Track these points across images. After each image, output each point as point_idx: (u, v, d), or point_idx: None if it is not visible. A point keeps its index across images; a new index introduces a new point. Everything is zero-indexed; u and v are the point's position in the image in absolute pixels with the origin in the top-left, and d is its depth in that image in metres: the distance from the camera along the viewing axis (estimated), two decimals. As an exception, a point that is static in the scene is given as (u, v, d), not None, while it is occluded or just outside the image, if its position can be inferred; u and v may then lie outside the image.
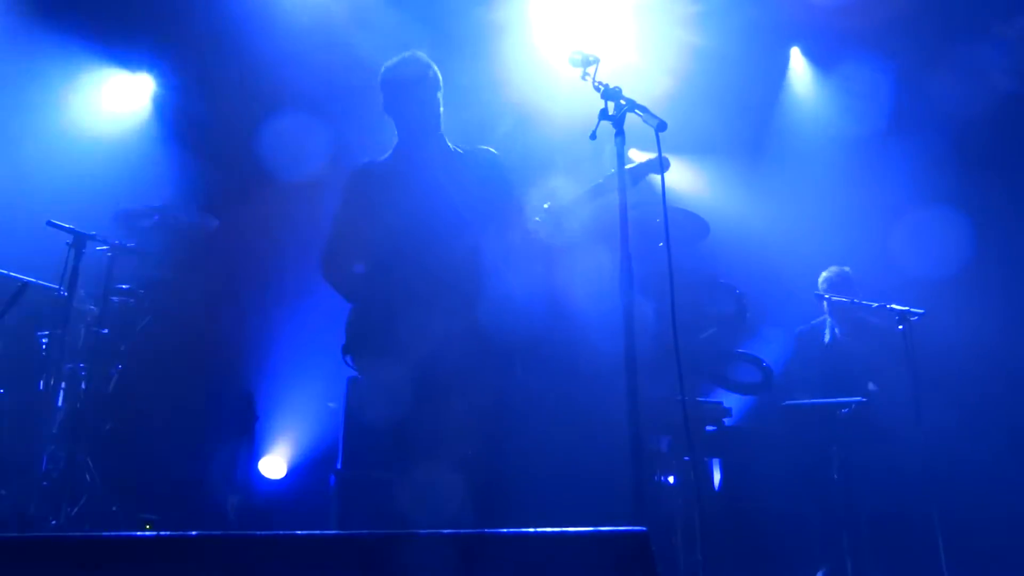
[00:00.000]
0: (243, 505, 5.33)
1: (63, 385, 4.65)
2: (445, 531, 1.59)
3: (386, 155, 3.53)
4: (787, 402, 5.30)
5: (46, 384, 4.56)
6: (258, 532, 1.85)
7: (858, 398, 4.93)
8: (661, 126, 2.83)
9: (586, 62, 3.15)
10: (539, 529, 1.55)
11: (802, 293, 5.63)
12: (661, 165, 3.22)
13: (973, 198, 5.87)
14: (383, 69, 3.48)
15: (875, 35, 6.02)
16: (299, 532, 1.72)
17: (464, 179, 3.36)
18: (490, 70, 6.07)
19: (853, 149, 6.39)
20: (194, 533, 1.84)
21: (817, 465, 4.93)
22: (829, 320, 5.57)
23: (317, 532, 1.80)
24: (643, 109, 2.92)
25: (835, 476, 4.78)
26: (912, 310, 4.72)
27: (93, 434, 4.72)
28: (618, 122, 2.97)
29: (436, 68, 3.49)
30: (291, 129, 5.94)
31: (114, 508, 4.56)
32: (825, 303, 5.40)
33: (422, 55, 3.49)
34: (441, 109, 3.50)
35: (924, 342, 4.73)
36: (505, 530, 1.55)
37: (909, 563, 4.63)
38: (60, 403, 4.65)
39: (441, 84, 3.50)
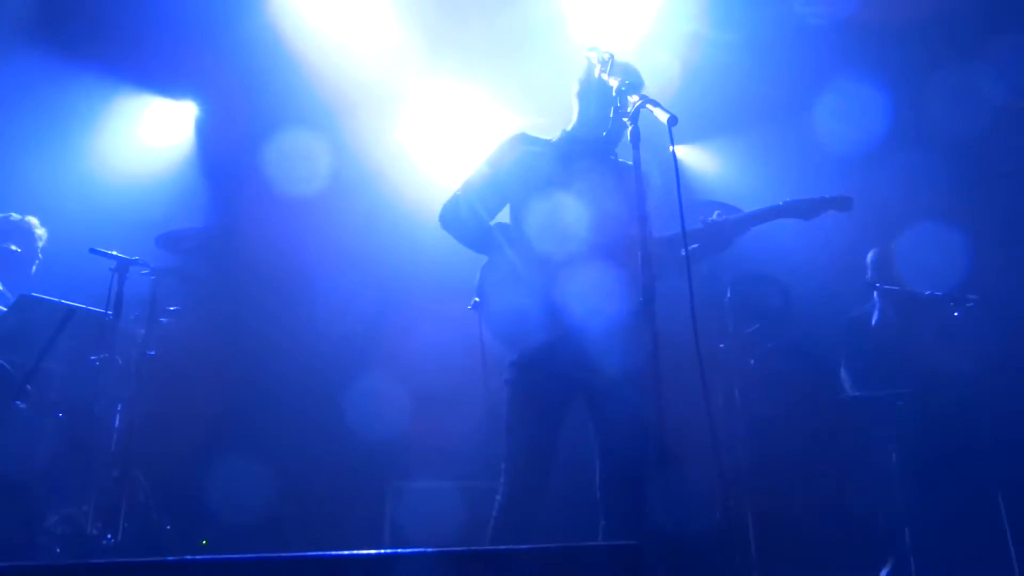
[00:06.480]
0: (296, 517, 5.39)
1: (119, 406, 4.76)
2: (434, 549, 1.56)
3: (558, 135, 3.55)
4: (843, 395, 5.14)
5: (100, 406, 4.70)
6: (309, 554, 1.81)
7: (908, 389, 4.72)
8: (673, 120, 2.76)
9: (601, 59, 3.17)
10: (531, 545, 1.51)
11: (847, 282, 5.43)
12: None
13: (968, 216, 5.60)
14: (600, 54, 3.30)
15: (870, 53, 5.81)
16: (291, 554, 1.71)
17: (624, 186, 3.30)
18: (504, 83, 6.06)
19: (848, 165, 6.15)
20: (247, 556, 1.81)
21: (876, 459, 4.75)
22: (879, 303, 5.36)
23: (322, 553, 1.78)
24: (655, 103, 2.87)
25: (895, 470, 4.58)
26: (968, 296, 4.53)
27: (147, 453, 4.82)
28: (632, 117, 2.93)
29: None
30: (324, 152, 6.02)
31: (168, 527, 4.66)
32: (875, 290, 5.21)
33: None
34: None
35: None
36: (494, 547, 1.52)
37: (976, 559, 4.41)
38: (116, 423, 4.76)
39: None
